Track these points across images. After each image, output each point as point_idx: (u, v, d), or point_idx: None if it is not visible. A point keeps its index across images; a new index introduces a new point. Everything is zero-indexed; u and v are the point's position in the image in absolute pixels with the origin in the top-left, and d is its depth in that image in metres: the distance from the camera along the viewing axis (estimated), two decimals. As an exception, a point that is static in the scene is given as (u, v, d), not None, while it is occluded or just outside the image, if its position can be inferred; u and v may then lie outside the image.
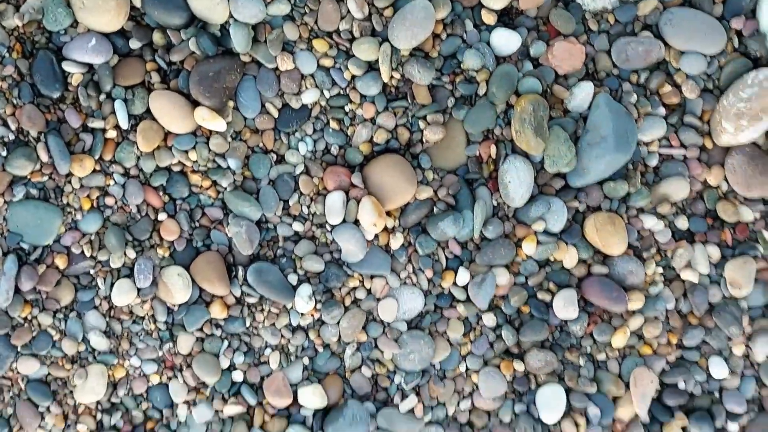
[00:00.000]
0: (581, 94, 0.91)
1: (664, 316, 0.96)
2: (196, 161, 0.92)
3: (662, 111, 0.92)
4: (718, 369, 0.97)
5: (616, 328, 0.96)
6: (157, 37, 0.89)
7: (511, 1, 0.91)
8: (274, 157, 0.93)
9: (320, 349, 0.97)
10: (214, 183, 0.93)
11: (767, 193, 0.93)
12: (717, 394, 0.99)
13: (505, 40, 0.91)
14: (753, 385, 0.98)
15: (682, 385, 0.98)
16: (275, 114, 0.92)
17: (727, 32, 0.91)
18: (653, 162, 0.93)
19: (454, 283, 0.95)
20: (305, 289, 0.94)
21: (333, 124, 0.92)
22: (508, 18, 0.92)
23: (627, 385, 0.97)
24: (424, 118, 0.92)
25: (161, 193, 0.93)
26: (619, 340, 0.96)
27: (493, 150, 0.93)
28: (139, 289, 0.93)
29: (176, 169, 0.93)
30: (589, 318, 0.96)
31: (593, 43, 0.92)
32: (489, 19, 0.90)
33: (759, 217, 0.95)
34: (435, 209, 0.94)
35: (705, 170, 0.94)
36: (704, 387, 0.99)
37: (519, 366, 0.97)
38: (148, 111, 0.90)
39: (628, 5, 0.92)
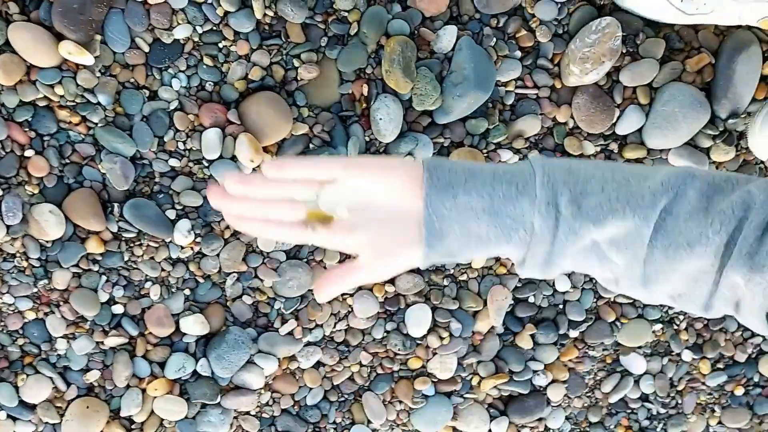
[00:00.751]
0: (446, 37, 0.97)
1: (517, 240, 1.07)
2: (63, 96, 0.90)
3: (518, 54, 1.00)
4: (562, 284, 1.11)
5: (476, 251, 1.06)
6: (12, -35, 0.85)
7: (381, -58, 0.93)
8: (147, 93, 0.93)
9: (201, 281, 1.00)
10: (84, 119, 0.91)
11: (606, 129, 1.04)
12: (561, 306, 1.12)
13: (376, -19, 0.94)
14: (591, 297, 1.12)
15: (531, 300, 1.11)
16: (146, 49, 0.91)
17: (577, -19, 0.99)
18: (510, 101, 1.02)
19: (329, 215, 1.01)
20: (184, 224, 0.96)
21: (207, 61, 0.93)
22: (378, -42, 0.95)
23: (485, 302, 1.09)
24: (299, 56, 0.94)
25: (27, 129, 0.90)
26: (479, 262, 1.06)
27: (365, 88, 0.97)
28: (8, 227, 0.92)
29: (42, 104, 0.90)
30: (452, 243, 1.05)
31: (458, -14, 0.97)
32: (360, -42, 0.93)
33: (599, 150, 1.06)
34: (311, 145, 0.98)
35: (555, 109, 1.03)
36: (550, 300, 1.12)
37: (390, 288, 1.05)
38: (7, 43, 0.86)
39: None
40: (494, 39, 0.98)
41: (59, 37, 0.86)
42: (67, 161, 0.93)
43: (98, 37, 0.89)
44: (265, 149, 0.96)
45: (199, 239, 0.97)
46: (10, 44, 0.86)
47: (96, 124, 0.92)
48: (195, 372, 1.02)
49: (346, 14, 0.94)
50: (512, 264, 1.09)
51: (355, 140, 0.98)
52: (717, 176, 0.55)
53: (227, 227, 0.99)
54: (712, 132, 1.04)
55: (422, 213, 0.55)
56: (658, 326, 1.14)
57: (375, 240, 0.57)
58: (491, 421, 1.13)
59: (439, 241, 0.56)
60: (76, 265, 0.96)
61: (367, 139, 0.99)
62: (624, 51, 1.01)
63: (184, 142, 0.94)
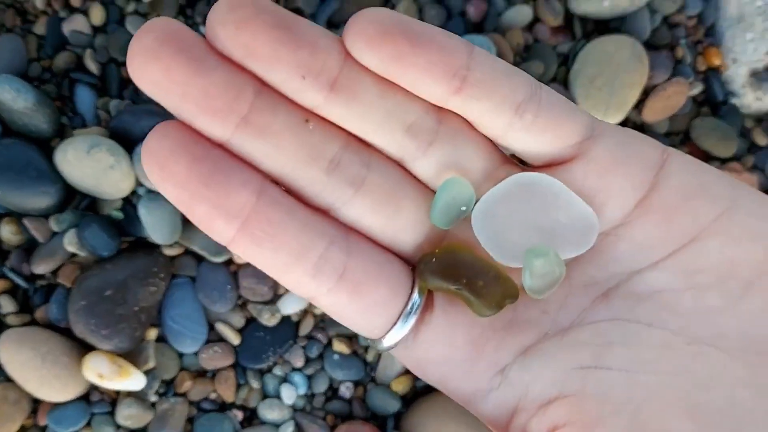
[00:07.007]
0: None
1: None
2: (95, 448, 0.50)
3: None
4: None
5: None
6: (7, 233, 0.49)
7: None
8: (240, 415, 0.52)
9: None
10: (133, 480, 0.51)
11: None
12: None
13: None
14: None
15: None
16: (234, 340, 0.52)
17: None
18: None
19: None
20: None
21: (339, 346, 0.53)
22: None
23: None
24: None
25: None
26: None
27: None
28: None
29: (59, 463, 0.51)
30: None
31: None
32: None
33: None
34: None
35: None
36: None
37: None
38: (-3, 366, 0.49)
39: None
40: None
41: (84, 347, 0.49)
42: None
43: (152, 334, 0.51)
44: (453, 492, 0.53)
45: None
46: (2, 367, 0.48)
47: (152, 488, 0.51)
48: None
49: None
50: None
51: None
52: None
53: None
54: None
55: None
56: None
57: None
58: None
59: None
60: None
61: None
62: None
63: (309, 497, 0.52)
